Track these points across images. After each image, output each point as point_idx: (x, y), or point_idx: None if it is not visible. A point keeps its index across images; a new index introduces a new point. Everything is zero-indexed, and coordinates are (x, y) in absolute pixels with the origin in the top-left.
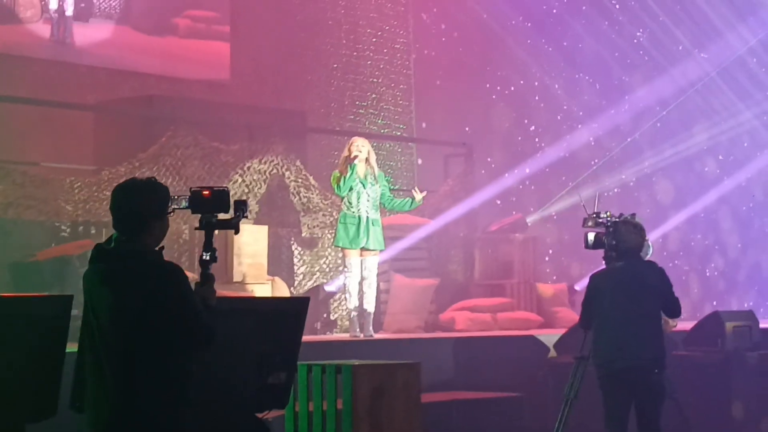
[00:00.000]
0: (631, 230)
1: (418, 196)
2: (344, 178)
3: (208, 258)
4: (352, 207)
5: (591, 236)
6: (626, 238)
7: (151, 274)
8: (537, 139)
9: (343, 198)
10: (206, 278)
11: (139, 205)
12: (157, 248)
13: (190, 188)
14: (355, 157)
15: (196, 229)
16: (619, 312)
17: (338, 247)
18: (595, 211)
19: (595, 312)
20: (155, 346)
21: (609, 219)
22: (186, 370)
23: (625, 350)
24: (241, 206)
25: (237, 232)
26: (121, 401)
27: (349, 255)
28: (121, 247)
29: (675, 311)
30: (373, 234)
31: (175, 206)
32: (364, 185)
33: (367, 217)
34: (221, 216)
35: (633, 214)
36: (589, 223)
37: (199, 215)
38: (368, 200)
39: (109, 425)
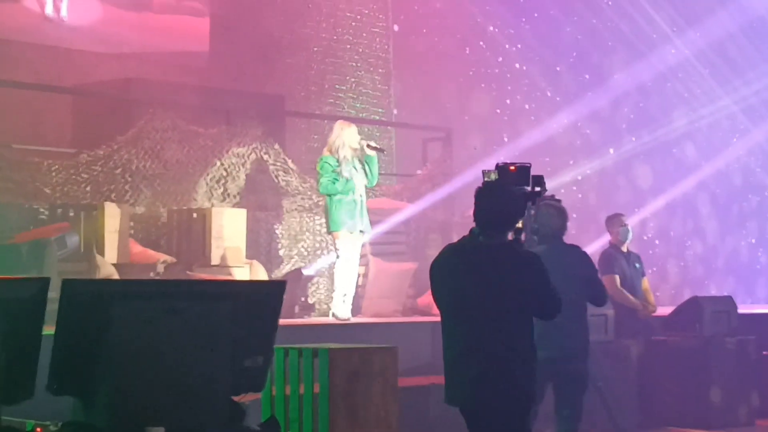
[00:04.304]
0: (552, 213)
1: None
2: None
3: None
4: (350, 193)
5: None
6: (547, 222)
7: (523, 262)
8: (515, 123)
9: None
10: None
11: (513, 208)
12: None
13: (497, 163)
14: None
15: None
16: None
17: (334, 232)
18: None
19: None
20: (525, 316)
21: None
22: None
23: (546, 340)
24: (540, 180)
25: (534, 203)
26: (497, 361)
27: (340, 238)
28: (494, 241)
29: (599, 298)
30: (366, 217)
31: (486, 179)
32: (356, 170)
33: (361, 201)
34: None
35: (552, 195)
36: None
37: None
38: (361, 184)
39: (485, 380)
